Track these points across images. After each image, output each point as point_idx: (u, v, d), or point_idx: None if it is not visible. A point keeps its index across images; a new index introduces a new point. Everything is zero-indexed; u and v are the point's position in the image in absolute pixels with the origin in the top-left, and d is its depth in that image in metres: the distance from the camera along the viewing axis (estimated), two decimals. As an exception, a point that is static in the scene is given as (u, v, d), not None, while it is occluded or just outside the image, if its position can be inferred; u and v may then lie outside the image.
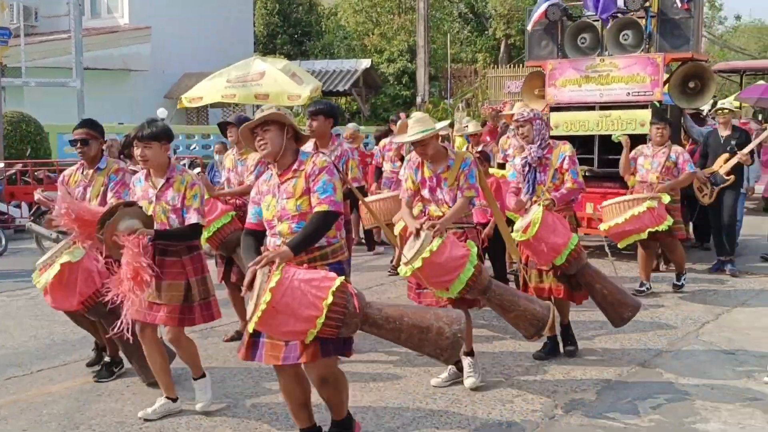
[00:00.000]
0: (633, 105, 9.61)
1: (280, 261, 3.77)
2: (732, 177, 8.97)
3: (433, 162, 5.35)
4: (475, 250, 5.11)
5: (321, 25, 31.24)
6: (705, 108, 11.92)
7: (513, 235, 5.84)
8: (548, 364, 5.99)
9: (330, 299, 3.71)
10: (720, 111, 9.23)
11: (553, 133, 9.79)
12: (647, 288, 8.22)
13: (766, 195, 10.55)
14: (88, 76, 18.56)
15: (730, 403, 5.17)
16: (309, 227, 3.97)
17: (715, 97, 19.20)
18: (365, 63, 22.57)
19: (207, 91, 13.79)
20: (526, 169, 6.07)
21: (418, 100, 24.51)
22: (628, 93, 9.61)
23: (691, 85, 9.73)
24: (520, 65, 25.81)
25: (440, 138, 6.96)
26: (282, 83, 13.43)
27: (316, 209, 3.99)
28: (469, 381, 5.42)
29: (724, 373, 5.76)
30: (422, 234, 4.98)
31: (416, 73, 24.82)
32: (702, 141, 9.75)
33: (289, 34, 29.45)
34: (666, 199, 7.89)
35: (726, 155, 9.01)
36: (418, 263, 4.86)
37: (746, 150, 8.89)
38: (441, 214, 5.30)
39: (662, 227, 7.72)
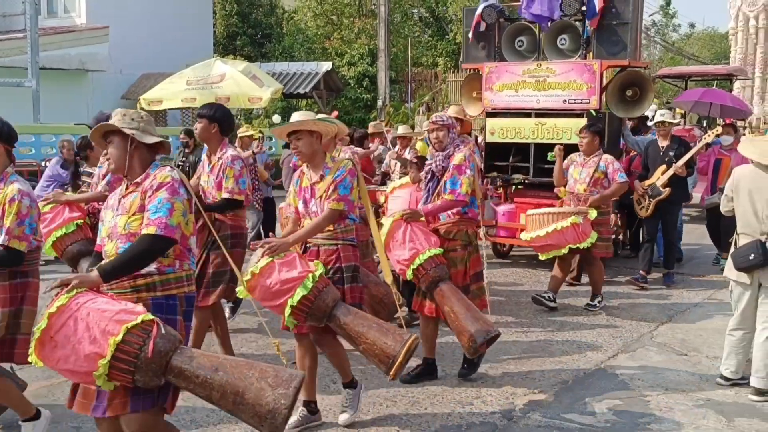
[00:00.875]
0: (569, 113, 9.16)
1: (78, 285, 3.31)
2: (668, 189, 8.59)
3: (313, 168, 4.78)
4: (319, 271, 4.46)
5: (281, 27, 31.14)
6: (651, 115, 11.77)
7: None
8: (507, 365, 6.06)
9: (120, 337, 3.15)
10: (659, 124, 8.93)
11: (489, 139, 9.71)
12: (548, 299, 7.70)
13: (703, 203, 10.25)
14: (44, 76, 18.27)
15: (683, 403, 5.30)
16: (128, 251, 3.45)
17: (668, 102, 19.34)
18: (326, 66, 22.55)
19: (167, 93, 13.67)
20: (428, 176, 5.69)
21: (379, 103, 24.56)
22: (565, 100, 9.19)
23: (629, 93, 9.30)
24: (480, 70, 26.02)
25: (337, 143, 6.70)
26: (243, 85, 13.37)
27: (143, 231, 3.45)
28: (342, 417, 4.87)
29: (678, 374, 5.89)
30: (257, 252, 4.54)
31: (377, 76, 24.88)
32: (642, 151, 9.41)
33: (249, 35, 29.30)
34: (593, 214, 7.50)
35: (663, 167, 8.67)
36: (241, 292, 4.54)
37: (681, 162, 8.51)
38: None
39: (584, 245, 7.36)
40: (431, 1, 32.14)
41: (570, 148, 8.40)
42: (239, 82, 13.45)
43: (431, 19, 31.98)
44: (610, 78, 9.73)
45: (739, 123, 20.28)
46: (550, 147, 8.65)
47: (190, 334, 4.66)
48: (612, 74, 9.99)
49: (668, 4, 47.27)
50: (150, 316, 3.30)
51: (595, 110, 9.03)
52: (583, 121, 8.75)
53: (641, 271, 8.83)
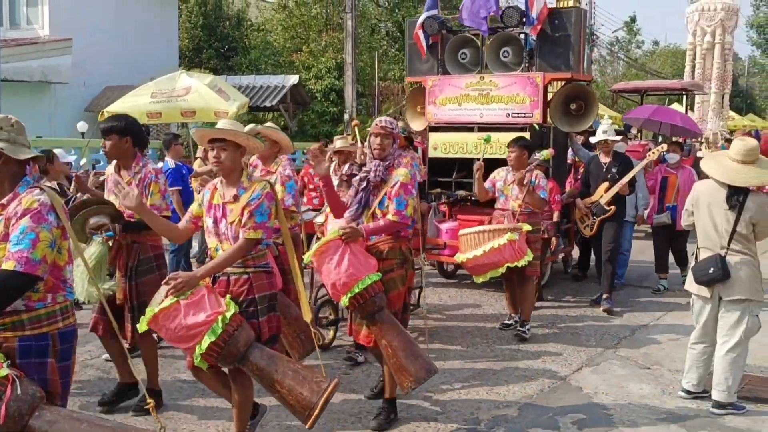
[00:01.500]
0: (513, 127, 8.84)
1: None
2: (613, 208, 8.34)
3: (227, 184, 4.40)
4: (230, 312, 4.08)
5: (248, 40, 31.06)
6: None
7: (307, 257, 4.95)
8: (472, 380, 6.06)
9: None
10: (603, 142, 8.60)
11: (432, 154, 9.43)
12: (515, 322, 7.47)
13: (651, 222, 9.61)
14: (6, 88, 17.99)
15: (646, 417, 5.34)
16: None
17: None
18: (293, 79, 22.52)
19: (131, 106, 13.49)
20: (363, 185, 5.11)
21: (346, 116, 24.54)
22: (508, 114, 8.94)
23: (574, 106, 9.03)
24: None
25: (280, 157, 6.27)
26: (208, 99, 13.24)
27: (2, 266, 3.06)
28: None
29: (641, 388, 5.94)
30: (161, 289, 4.11)
31: (344, 90, 24.89)
32: (585, 166, 9.15)
33: (215, 48, 29.18)
34: (526, 228, 7.02)
35: (606, 184, 8.39)
36: (142, 326, 4.09)
37: (625, 180, 8.25)
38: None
39: (521, 262, 6.87)
40: (398, 16, 32.36)
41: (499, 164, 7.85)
42: (205, 96, 13.32)
43: (398, 34, 32.13)
44: (554, 91, 9.51)
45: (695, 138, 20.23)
46: (495, 162, 8.06)
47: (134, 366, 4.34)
48: (557, 88, 9.68)
49: (633, 21, 48.14)
50: (5, 372, 3.00)
51: (538, 124, 8.82)
52: (527, 136, 8.38)
53: (604, 295, 8.51)
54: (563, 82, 9.33)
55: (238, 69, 27.64)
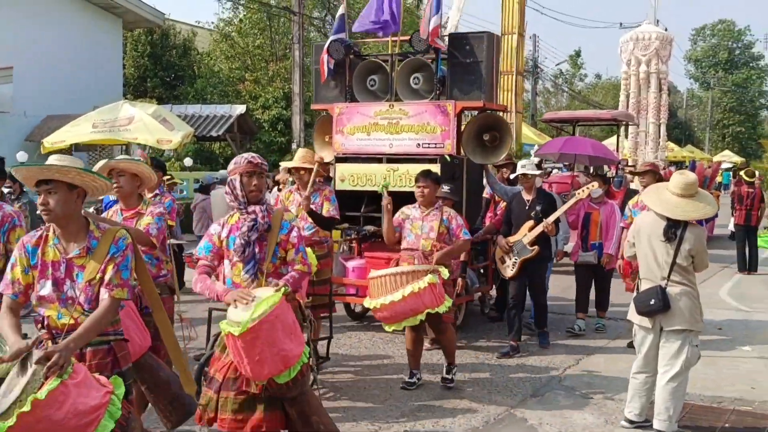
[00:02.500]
0: (423, 158, 8.32)
1: None
2: (536, 248, 7.79)
3: (65, 236, 3.60)
4: (121, 389, 3.43)
5: (195, 69, 30.89)
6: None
7: (224, 325, 4.03)
8: (418, 412, 6.02)
9: None
10: (522, 176, 8.05)
11: (339, 187, 8.64)
12: (418, 379, 6.73)
13: (575, 259, 9.01)
14: (-57, 115, 17.53)
15: (589, 447, 5.36)
16: None
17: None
18: (240, 109, 22.39)
19: (71, 136, 13.28)
20: (253, 236, 4.33)
21: (294, 146, 24.52)
22: (419, 144, 8.41)
23: (487, 137, 8.53)
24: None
25: (144, 193, 5.49)
26: (152, 129, 13.09)
27: None
28: None
29: (584, 418, 5.97)
30: (28, 370, 3.19)
31: (291, 119, 24.87)
32: (506, 204, 8.51)
33: (160, 77, 28.93)
34: (445, 273, 6.40)
35: (530, 223, 7.81)
36: (11, 421, 3.03)
37: (551, 219, 7.72)
38: (68, 322, 3.52)
39: (441, 308, 6.22)
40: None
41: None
42: (148, 126, 13.18)
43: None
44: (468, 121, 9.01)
45: (628, 168, 20.09)
46: (404, 197, 7.53)
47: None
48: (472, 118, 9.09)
49: (578, 54, 49.36)
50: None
51: (450, 155, 8.30)
52: (437, 168, 7.82)
53: (511, 342, 7.89)
54: (476, 112, 8.86)
55: (184, 98, 27.43)
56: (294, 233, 4.40)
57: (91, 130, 13.13)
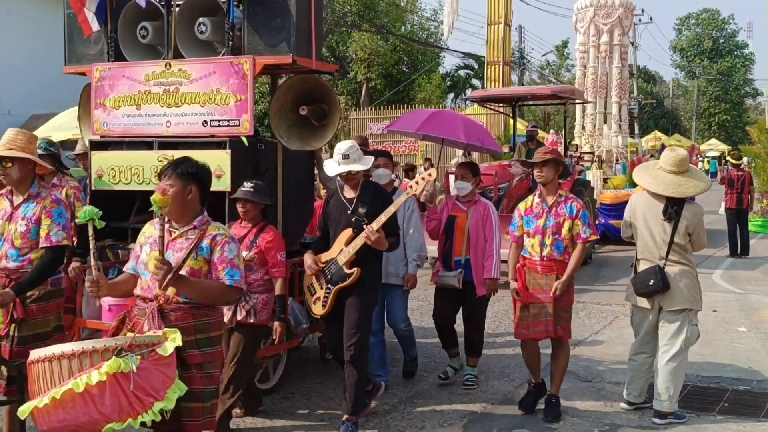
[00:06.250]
0: (210, 141, 5.77)
1: None
2: (356, 270, 5.02)
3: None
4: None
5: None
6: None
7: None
8: (416, 398, 5.97)
9: None
10: (347, 174, 5.16)
11: (97, 185, 6.12)
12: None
13: (435, 280, 6.30)
14: (-75, 116, 17.36)
15: (589, 430, 5.33)
16: None
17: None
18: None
19: (59, 126, 13.16)
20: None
21: (281, 141, 24.41)
22: (206, 122, 5.80)
23: (305, 111, 5.88)
24: (382, 107, 26.38)
25: None
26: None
27: None
28: None
29: (583, 401, 5.93)
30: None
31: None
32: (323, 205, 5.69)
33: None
34: (176, 340, 3.69)
35: (349, 232, 5.11)
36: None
37: (376, 224, 4.93)
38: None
39: (147, 417, 3.98)
40: (332, 41, 32.53)
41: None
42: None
43: (332, 59, 32.25)
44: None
45: (587, 156, 17.25)
46: None
47: None
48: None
49: (565, 45, 49.43)
50: None
51: (249, 137, 5.72)
52: (226, 157, 5.57)
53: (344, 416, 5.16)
54: (290, 75, 6.25)
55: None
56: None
57: (76, 125, 12.98)
